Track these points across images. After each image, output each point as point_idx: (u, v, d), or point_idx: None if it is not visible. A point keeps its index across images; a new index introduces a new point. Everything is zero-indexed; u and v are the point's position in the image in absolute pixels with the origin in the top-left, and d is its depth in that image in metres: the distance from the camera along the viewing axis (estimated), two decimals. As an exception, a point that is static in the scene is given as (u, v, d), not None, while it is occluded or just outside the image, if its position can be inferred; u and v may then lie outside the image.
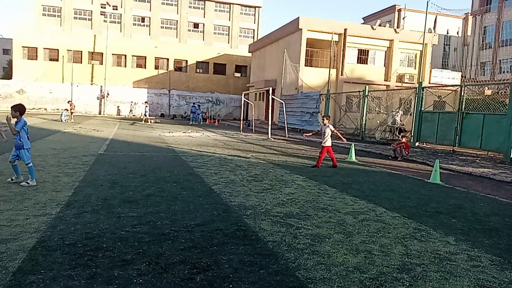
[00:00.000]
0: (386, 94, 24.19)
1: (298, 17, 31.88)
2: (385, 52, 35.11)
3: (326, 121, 11.48)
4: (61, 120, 26.64)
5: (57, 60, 44.47)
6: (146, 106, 31.30)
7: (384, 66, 35.25)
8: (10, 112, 7.28)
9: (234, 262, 4.06)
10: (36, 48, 43.94)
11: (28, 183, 7.19)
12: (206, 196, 7.03)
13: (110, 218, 5.39)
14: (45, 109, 40.69)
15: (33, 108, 40.39)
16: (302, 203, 6.80)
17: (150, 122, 30.17)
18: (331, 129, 11.32)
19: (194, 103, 38.79)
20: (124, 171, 9.09)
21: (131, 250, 4.25)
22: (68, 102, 30.26)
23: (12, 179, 7.42)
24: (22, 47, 43.54)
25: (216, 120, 38.10)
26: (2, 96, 39.68)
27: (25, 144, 7.32)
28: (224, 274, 3.77)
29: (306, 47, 32.40)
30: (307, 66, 32.98)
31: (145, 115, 30.94)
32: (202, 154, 13.00)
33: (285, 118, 25.64)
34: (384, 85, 34.00)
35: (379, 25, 36.47)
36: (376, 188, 8.57)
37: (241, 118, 28.88)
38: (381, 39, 34.10)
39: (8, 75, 51.94)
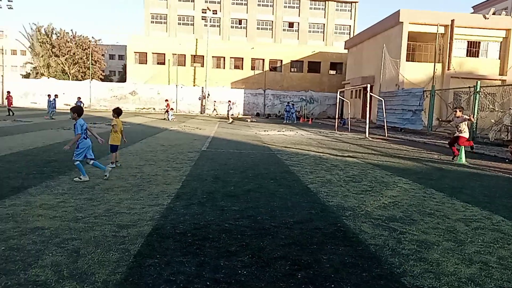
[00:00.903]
0: (501, 90, 21.66)
1: (399, 10, 30.17)
2: (500, 43, 31.47)
3: (459, 113, 10.32)
4: (168, 119, 28.91)
5: (164, 63, 48.41)
6: (229, 105, 31.96)
7: (499, 58, 31.62)
8: (71, 114, 7.57)
9: (335, 262, 4.01)
10: (146, 53, 48.37)
11: (80, 179, 7.35)
12: (303, 194, 7.05)
13: (215, 210, 5.71)
14: (154, 108, 44.50)
15: (143, 108, 44.48)
16: (405, 207, 6.43)
17: (232, 120, 30.61)
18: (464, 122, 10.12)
19: (288, 102, 39.10)
20: (225, 167, 9.54)
21: (235, 242, 4.45)
22: (166, 101, 32.82)
23: (106, 176, 7.63)
24: (134, 52, 48.28)
25: (310, 119, 37.94)
26: (118, 97, 44.41)
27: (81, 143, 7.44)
28: (325, 273, 3.75)
29: (408, 41, 30.52)
30: (409, 61, 31.05)
31: (228, 112, 31.47)
32: (297, 153, 13.05)
33: (384, 116, 24.49)
34: (499, 80, 30.51)
35: (493, 14, 32.79)
36: (491, 194, 7.74)
37: (336, 117, 28.33)
38: (495, 29, 30.65)
39: (123, 78, 57.99)
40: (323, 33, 57.16)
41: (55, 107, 26.46)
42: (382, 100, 25.02)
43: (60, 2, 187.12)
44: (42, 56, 52.88)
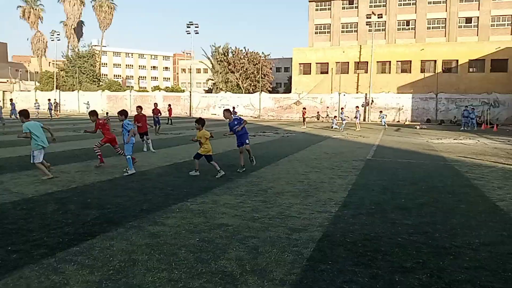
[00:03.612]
0: None
1: None
2: None
3: None
4: (331, 128, 29.15)
5: (327, 72, 49.07)
6: (357, 111, 29.31)
7: None
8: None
9: (539, 297, 3.36)
10: (310, 63, 49.93)
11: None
12: (489, 212, 6.15)
13: (385, 223, 5.47)
14: (317, 118, 45.49)
15: (307, 117, 45.88)
16: None
17: (358, 128, 28.20)
18: None
19: (466, 107, 34.74)
20: (393, 178, 9.06)
21: (410, 258, 4.18)
22: (303, 109, 33.70)
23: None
24: (299, 64, 50.38)
25: (495, 125, 32.87)
26: (283, 107, 46.98)
27: (128, 140, 9.11)
28: (525, 307, 3.18)
29: None
30: None
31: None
32: (480, 164, 11.46)
33: None
34: None
35: None
36: None
37: (530, 123, 23.80)
38: None
39: (288, 89, 61.10)
40: (511, 26, 49.05)
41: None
42: None
43: (236, 24, 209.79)
44: (220, 73, 60.01)
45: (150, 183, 8.07)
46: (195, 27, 48.90)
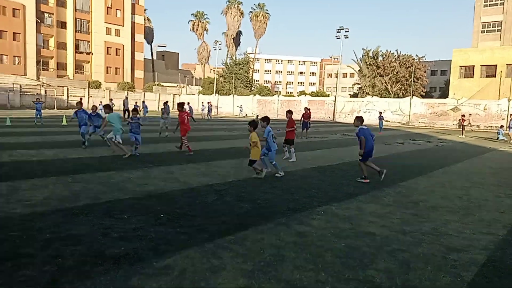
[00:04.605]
0: None
1: None
2: None
3: None
4: (497, 139, 25.34)
5: (494, 76, 42.95)
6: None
7: None
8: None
9: None
10: (473, 66, 44.44)
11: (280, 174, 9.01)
12: None
13: None
14: (478, 126, 40.23)
15: (469, 124, 40.92)
16: None
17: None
18: None
19: None
20: None
21: None
22: (462, 116, 29.25)
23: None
24: (459, 66, 45.31)
25: None
26: (437, 113, 42.83)
27: (272, 147, 8.95)
28: None
29: None
30: None
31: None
32: None
33: None
34: None
35: None
36: None
37: None
38: None
39: (444, 94, 55.51)
40: None
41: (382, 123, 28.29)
42: None
43: (388, 28, 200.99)
44: (368, 77, 58.11)
45: (295, 183, 8.32)
46: (345, 31, 48.45)
